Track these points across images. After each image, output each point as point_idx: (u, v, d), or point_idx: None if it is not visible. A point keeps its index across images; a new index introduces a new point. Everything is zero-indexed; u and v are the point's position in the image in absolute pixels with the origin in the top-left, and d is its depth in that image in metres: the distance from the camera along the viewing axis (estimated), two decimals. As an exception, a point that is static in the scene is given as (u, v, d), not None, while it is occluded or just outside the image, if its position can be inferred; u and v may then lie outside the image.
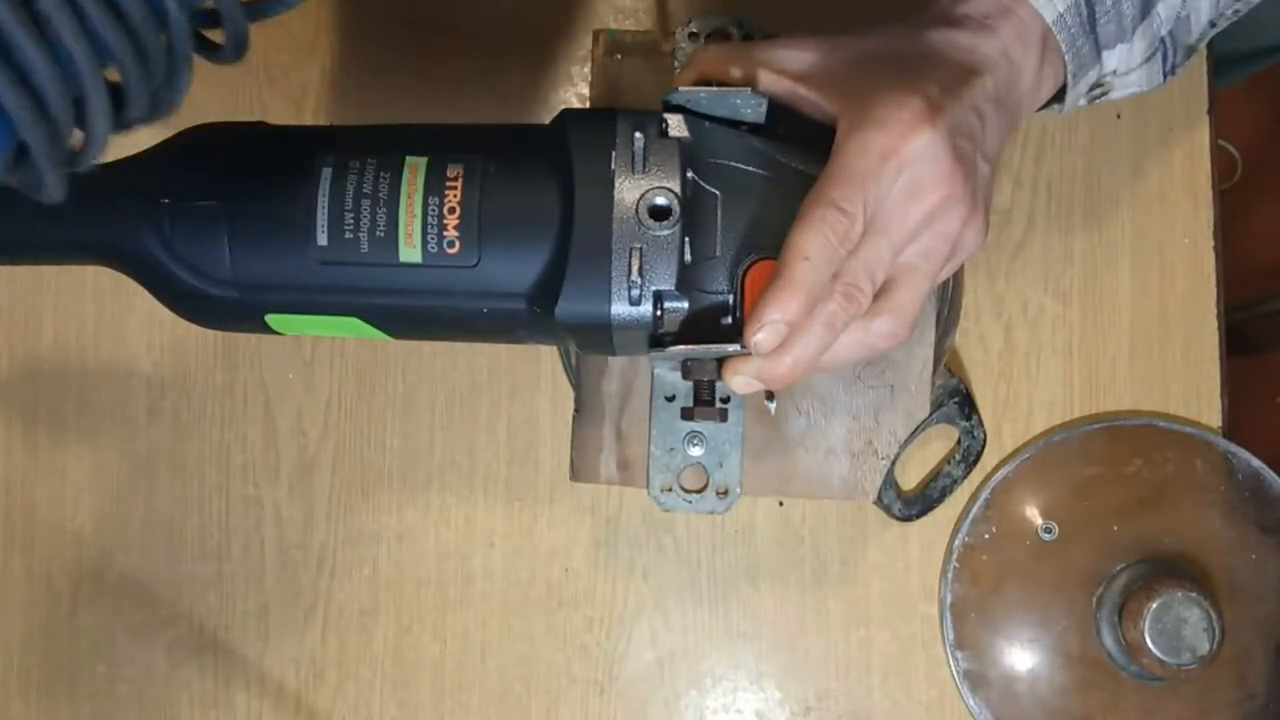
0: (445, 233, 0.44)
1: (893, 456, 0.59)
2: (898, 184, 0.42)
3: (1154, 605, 0.58)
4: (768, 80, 0.46)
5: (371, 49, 0.67)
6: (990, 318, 0.65)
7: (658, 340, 0.45)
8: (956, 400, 0.63)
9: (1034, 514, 0.63)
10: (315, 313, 0.46)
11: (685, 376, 0.47)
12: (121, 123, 0.31)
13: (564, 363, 0.63)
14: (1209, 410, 0.64)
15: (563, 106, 0.66)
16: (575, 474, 0.60)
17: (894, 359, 0.58)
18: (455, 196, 0.44)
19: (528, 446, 0.65)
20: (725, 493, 0.58)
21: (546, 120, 0.47)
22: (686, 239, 0.44)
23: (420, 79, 0.67)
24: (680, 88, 0.45)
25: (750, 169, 0.46)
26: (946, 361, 0.63)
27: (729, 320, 0.45)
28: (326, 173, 0.44)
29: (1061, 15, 0.46)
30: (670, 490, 0.58)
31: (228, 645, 0.65)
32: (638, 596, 0.64)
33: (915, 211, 0.43)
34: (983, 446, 0.63)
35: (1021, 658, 0.63)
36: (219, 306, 0.46)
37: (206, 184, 0.45)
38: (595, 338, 0.45)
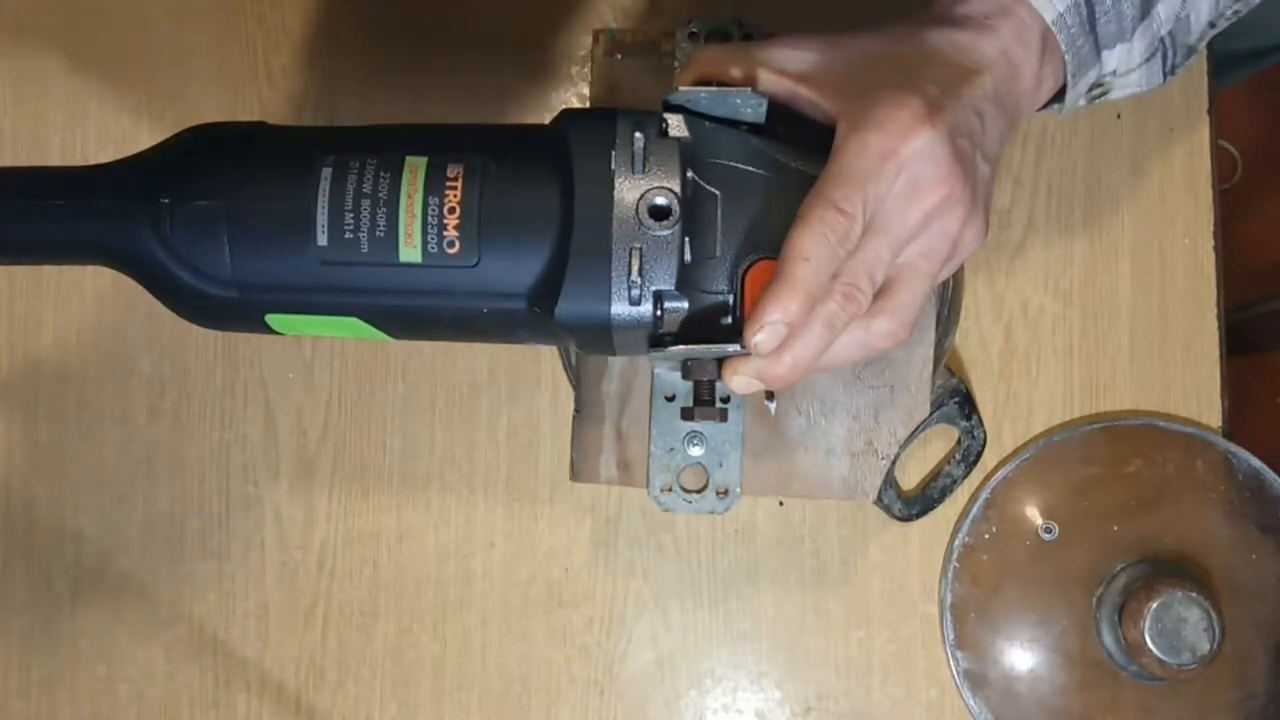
0: (445, 233, 0.44)
1: (893, 456, 0.59)
2: (897, 184, 0.42)
3: (1154, 605, 0.58)
4: (767, 80, 0.46)
5: (371, 49, 0.67)
6: (990, 318, 0.65)
7: (658, 340, 0.45)
8: (956, 400, 0.63)
9: (1034, 514, 0.63)
10: (315, 313, 0.46)
11: (685, 376, 0.47)
12: None
13: (564, 363, 0.63)
14: (1209, 410, 0.64)
15: (563, 106, 0.66)
16: (575, 474, 0.60)
17: (894, 359, 0.58)
18: (455, 196, 0.44)
19: (528, 446, 0.65)
20: (725, 493, 0.58)
21: (546, 120, 0.47)
22: (686, 239, 0.44)
23: (420, 79, 0.67)
24: (680, 88, 0.45)
25: (750, 169, 0.46)
26: (946, 361, 0.63)
27: (729, 320, 0.45)
28: (326, 173, 0.44)
29: (1061, 15, 0.46)
30: (670, 490, 0.58)
31: (228, 645, 0.65)
32: (638, 596, 0.64)
33: (915, 211, 0.43)
34: (983, 446, 0.63)
35: (1021, 658, 0.63)
36: (219, 306, 0.46)
37: (206, 184, 0.45)
38: (595, 338, 0.45)
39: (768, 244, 0.45)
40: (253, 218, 0.45)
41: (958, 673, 0.63)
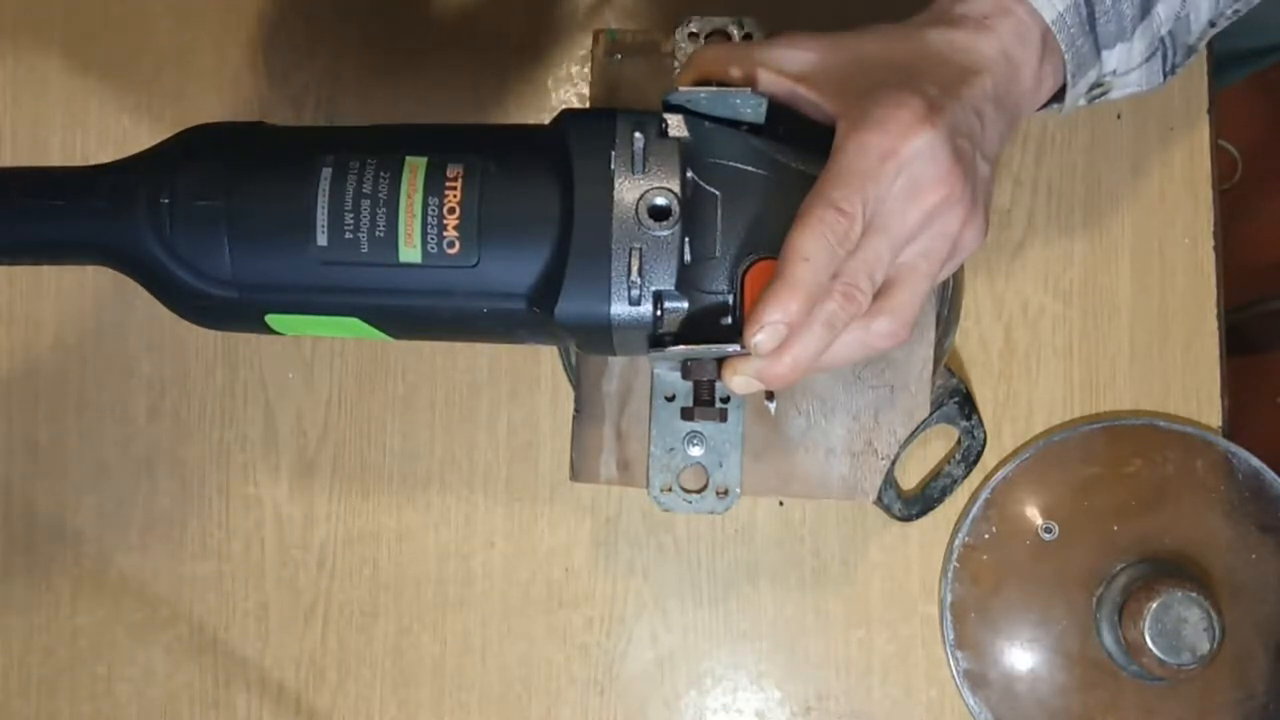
0: (445, 233, 0.44)
1: (893, 456, 0.59)
2: (897, 184, 0.42)
3: (1154, 605, 0.58)
4: (767, 80, 0.46)
5: (371, 49, 0.67)
6: (990, 318, 0.65)
7: (658, 340, 0.45)
8: (956, 400, 0.63)
9: (1034, 514, 0.63)
10: (315, 313, 0.46)
11: (685, 376, 0.47)
12: None
13: (564, 363, 0.63)
14: (1209, 410, 0.64)
15: (563, 106, 0.66)
16: (575, 474, 0.60)
17: (894, 359, 0.58)
18: (455, 196, 0.44)
19: (528, 446, 0.65)
20: (725, 493, 0.58)
21: (546, 120, 0.47)
22: (686, 239, 0.44)
23: (420, 79, 0.67)
24: (680, 88, 0.45)
25: (750, 169, 0.46)
26: (946, 361, 0.63)
27: (729, 320, 0.45)
28: (326, 173, 0.44)
29: (1061, 15, 0.46)
30: (670, 490, 0.58)
31: (228, 645, 0.65)
32: (638, 596, 0.64)
33: (915, 211, 0.43)
34: (983, 446, 0.63)
35: (1021, 658, 0.63)
36: (219, 306, 0.46)
37: (206, 184, 0.45)
38: (595, 338, 0.45)
39: (768, 244, 0.45)
40: (253, 218, 0.45)
41: (958, 673, 0.63)
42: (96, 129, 0.67)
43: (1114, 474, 0.63)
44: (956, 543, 0.63)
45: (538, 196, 0.44)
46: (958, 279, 0.62)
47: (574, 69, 0.67)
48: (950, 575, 0.63)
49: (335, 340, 0.66)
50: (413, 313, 0.46)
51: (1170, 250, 0.65)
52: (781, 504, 0.64)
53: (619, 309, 0.43)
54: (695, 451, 0.58)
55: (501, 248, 0.44)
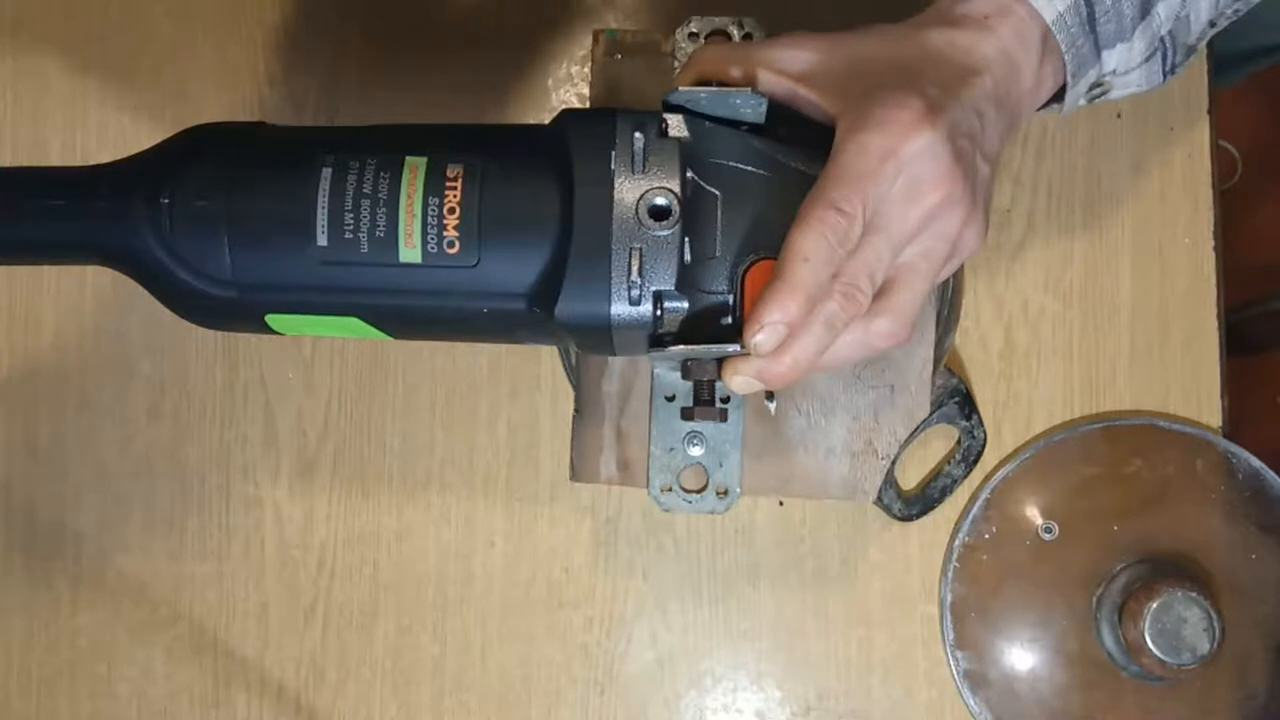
0: (445, 233, 0.44)
1: (893, 456, 0.59)
2: (897, 184, 0.42)
3: (1154, 605, 0.58)
4: (767, 80, 0.46)
5: (372, 50, 0.67)
6: (990, 318, 0.65)
7: (658, 340, 0.45)
8: (956, 400, 0.63)
9: (1034, 514, 0.63)
10: (315, 313, 0.46)
11: (685, 376, 0.47)
12: None
13: (564, 363, 0.63)
14: (1209, 410, 0.64)
15: (563, 106, 0.66)
16: (575, 474, 0.60)
17: (894, 359, 0.58)
18: (455, 197, 0.44)
19: (528, 446, 0.65)
20: (725, 493, 0.58)
21: (546, 120, 0.47)
22: (686, 239, 0.44)
23: (420, 79, 0.67)
24: (680, 88, 0.45)
25: (750, 169, 0.46)
26: (946, 361, 0.63)
27: (729, 320, 0.45)
28: (326, 173, 0.44)
29: (1061, 15, 0.46)
30: (670, 490, 0.58)
31: (228, 645, 0.65)
32: (638, 596, 0.64)
33: (915, 212, 0.43)
34: (983, 446, 0.63)
35: (1021, 658, 0.63)
36: (219, 306, 0.46)
37: (206, 184, 0.45)
38: (595, 338, 0.45)
39: (768, 244, 0.45)
40: (253, 218, 0.45)
41: (958, 673, 0.63)
42: (96, 129, 0.67)
43: (1114, 474, 0.63)
44: (956, 543, 0.63)
45: (538, 197, 0.44)
46: (958, 279, 0.62)
47: (574, 69, 0.67)
48: (950, 575, 0.63)
49: (335, 340, 0.66)
50: (413, 313, 0.46)
51: (1170, 250, 0.65)
52: (781, 504, 0.64)
53: (619, 309, 0.43)
54: (695, 451, 0.58)
55: (501, 248, 0.44)
